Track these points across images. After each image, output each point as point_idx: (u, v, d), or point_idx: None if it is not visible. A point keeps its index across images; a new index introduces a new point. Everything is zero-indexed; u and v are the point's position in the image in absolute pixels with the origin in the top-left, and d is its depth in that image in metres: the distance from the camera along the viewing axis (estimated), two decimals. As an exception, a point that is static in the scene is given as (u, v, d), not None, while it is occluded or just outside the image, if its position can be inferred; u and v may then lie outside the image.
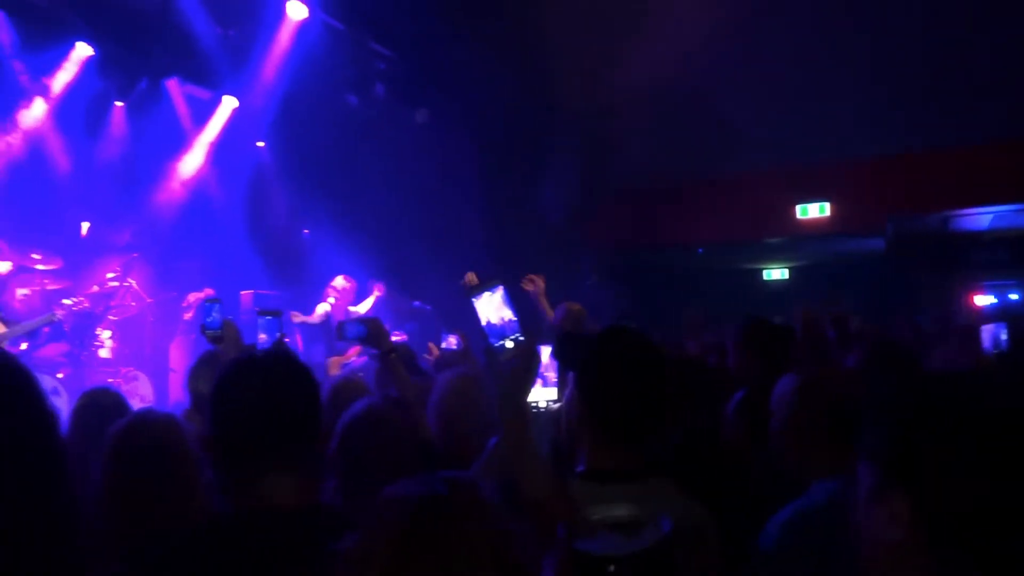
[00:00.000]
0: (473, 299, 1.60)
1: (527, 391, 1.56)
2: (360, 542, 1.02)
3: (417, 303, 7.81)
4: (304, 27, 7.65)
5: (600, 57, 8.31)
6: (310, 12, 7.54)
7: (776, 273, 14.29)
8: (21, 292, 6.45)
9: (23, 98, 7.10)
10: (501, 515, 1.06)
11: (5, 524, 0.94)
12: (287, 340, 5.72)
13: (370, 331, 2.64)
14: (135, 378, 6.76)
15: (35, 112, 7.19)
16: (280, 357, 1.64)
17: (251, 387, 1.53)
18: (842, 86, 8.58)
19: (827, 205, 10.63)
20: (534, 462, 1.53)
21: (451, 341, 3.78)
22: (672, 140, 9.40)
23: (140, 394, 6.64)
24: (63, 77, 7.26)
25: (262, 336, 2.63)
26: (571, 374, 1.80)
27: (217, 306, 2.54)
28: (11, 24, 6.78)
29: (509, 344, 1.57)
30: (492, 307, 1.62)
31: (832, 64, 8.36)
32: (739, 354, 3.07)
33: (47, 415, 1.03)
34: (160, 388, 7.01)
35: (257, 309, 3.24)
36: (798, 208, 10.76)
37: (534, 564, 1.23)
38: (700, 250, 12.08)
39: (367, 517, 1.05)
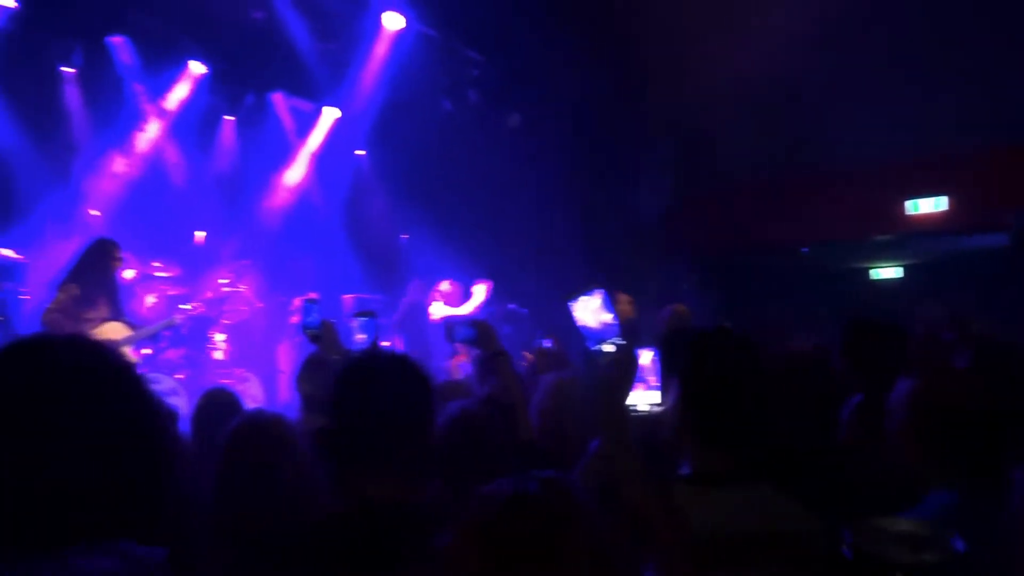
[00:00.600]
0: (570, 303, 1.61)
1: (626, 395, 1.55)
2: (453, 540, 1.04)
3: (512, 306, 7.86)
4: (400, 37, 7.86)
5: (695, 53, 8.16)
6: (406, 22, 7.74)
7: (886, 272, 13.61)
8: (148, 299, 6.88)
9: (143, 117, 7.60)
10: (594, 515, 1.06)
11: (116, 511, 0.99)
12: (387, 344, 5.87)
13: (479, 333, 2.69)
14: (247, 379, 7.07)
15: (153, 130, 7.69)
16: (398, 359, 1.69)
17: (370, 387, 1.58)
18: (957, 72, 8.11)
19: (944, 199, 10.05)
20: (633, 466, 1.52)
21: (546, 343, 3.79)
22: (772, 137, 9.12)
23: (251, 395, 6.93)
24: (178, 95, 7.72)
25: (361, 336, 2.72)
26: (675, 377, 1.78)
27: (316, 307, 2.65)
28: (133, 48, 7.27)
29: (608, 348, 1.57)
30: (589, 311, 1.62)
31: (943, 49, 7.91)
32: (848, 357, 2.95)
33: (155, 408, 1.09)
34: (270, 389, 7.32)
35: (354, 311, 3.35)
36: (909, 204, 10.22)
37: (629, 565, 1.22)
38: (804, 249, 11.65)
39: (461, 515, 1.08)
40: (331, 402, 1.60)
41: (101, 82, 7.26)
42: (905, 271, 13.48)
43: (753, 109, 8.65)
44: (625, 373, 1.55)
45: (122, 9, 7.00)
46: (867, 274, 13.73)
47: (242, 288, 7.47)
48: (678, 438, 1.74)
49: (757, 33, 7.53)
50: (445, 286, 7.45)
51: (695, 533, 1.45)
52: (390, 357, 1.71)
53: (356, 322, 2.69)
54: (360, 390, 1.58)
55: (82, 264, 5.25)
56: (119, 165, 7.42)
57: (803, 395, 2.54)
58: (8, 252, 6.10)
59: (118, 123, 7.45)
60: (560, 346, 4.01)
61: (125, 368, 1.08)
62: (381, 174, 9.17)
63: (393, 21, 7.77)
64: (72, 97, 7.20)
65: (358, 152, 9.17)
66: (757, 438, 1.72)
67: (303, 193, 8.75)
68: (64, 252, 6.02)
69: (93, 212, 7.05)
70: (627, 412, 1.55)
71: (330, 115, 8.72)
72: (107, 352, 1.09)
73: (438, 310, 7.33)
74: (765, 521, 1.57)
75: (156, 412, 1.09)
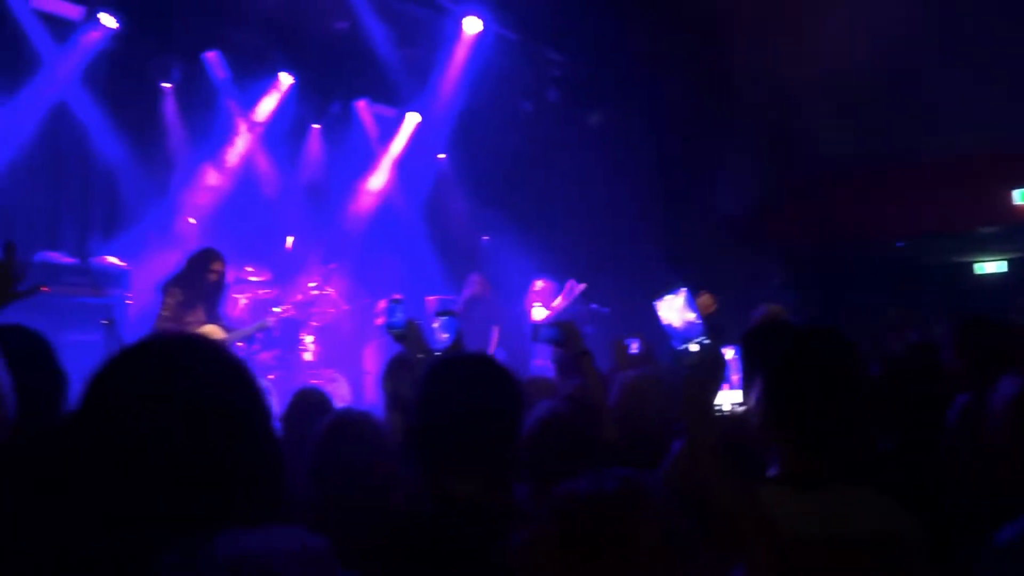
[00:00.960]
0: (654, 302, 1.59)
1: (713, 395, 1.52)
2: (530, 538, 1.04)
3: (594, 306, 7.81)
4: (479, 40, 7.94)
5: (786, 41, 7.91)
6: (485, 25, 7.81)
7: (991, 266, 12.87)
8: (241, 302, 7.16)
9: (236, 128, 7.93)
10: (672, 515, 1.05)
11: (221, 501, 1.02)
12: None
13: (562, 333, 2.69)
14: (335, 379, 7.26)
15: (245, 140, 8.01)
16: (483, 359, 1.71)
17: (454, 387, 1.59)
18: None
19: (1056, 187, 9.45)
20: (719, 467, 1.48)
21: (632, 346, 3.74)
22: (865, 126, 8.76)
23: (340, 395, 7.11)
24: (268, 106, 8.02)
25: (444, 336, 2.75)
26: (759, 375, 1.73)
27: (400, 306, 2.69)
28: (226, 63, 7.59)
29: (693, 347, 1.54)
30: (674, 310, 1.60)
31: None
32: (956, 354, 2.79)
33: (263, 400, 1.12)
34: (357, 389, 7.51)
35: (436, 311, 3.39)
36: (1016, 193, 9.64)
37: (712, 567, 1.19)
38: (900, 243, 11.14)
39: (539, 513, 1.07)
40: (416, 402, 1.61)
41: (197, 96, 7.61)
42: (1010, 265, 12.71)
43: (845, 98, 8.33)
44: (712, 373, 1.51)
45: (216, 26, 7.33)
46: (968, 269, 13.01)
47: (329, 291, 7.68)
48: (766, 438, 1.68)
49: (852, 19, 7.24)
50: (539, 285, 7.44)
51: (785, 537, 1.40)
52: (475, 357, 1.73)
53: (439, 322, 2.72)
54: (445, 390, 1.58)
55: (185, 271, 5.52)
56: (213, 176, 7.76)
57: (906, 395, 2.43)
58: (114, 260, 6.45)
59: (213, 135, 7.79)
60: (647, 345, 3.95)
61: (243, 365, 1.12)
62: (462, 177, 9.28)
63: (472, 25, 7.85)
64: (171, 111, 7.56)
65: (439, 156, 9.31)
66: (855, 439, 1.64)
67: (387, 197, 8.94)
68: (164, 259, 6.34)
69: (190, 220, 7.38)
70: (713, 412, 1.51)
71: (412, 120, 8.89)
72: (228, 350, 1.14)
73: (539, 312, 7.29)
74: (863, 525, 1.50)
75: (269, 409, 1.13)
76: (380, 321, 7.68)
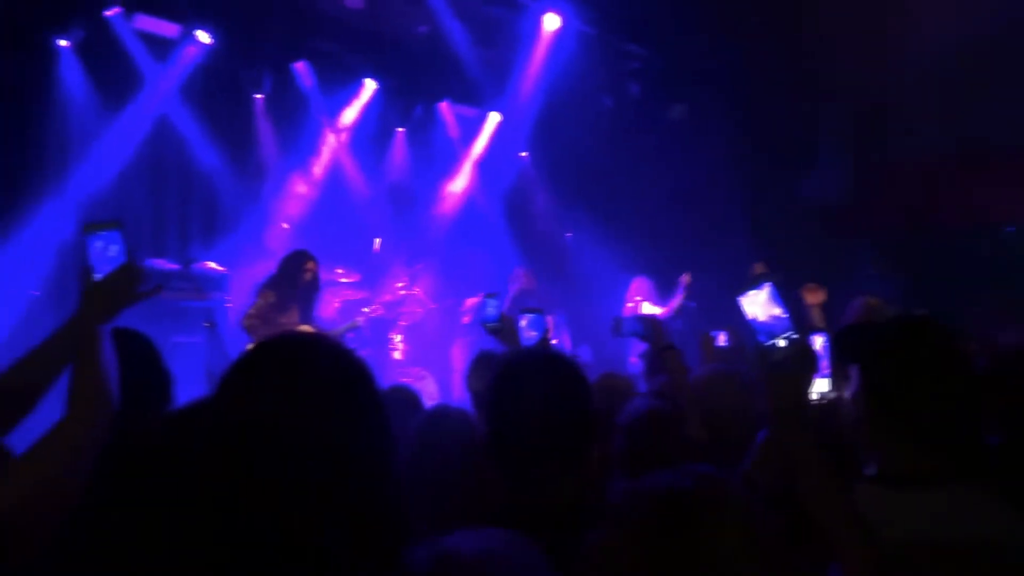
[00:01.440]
0: (739, 297, 1.56)
1: (805, 392, 1.47)
2: (607, 535, 1.03)
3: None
4: (558, 37, 7.93)
5: (880, 22, 7.57)
6: (564, 21, 7.79)
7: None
8: (333, 303, 7.39)
9: (324, 135, 8.18)
10: (752, 513, 1.02)
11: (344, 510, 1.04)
12: (555, 341, 5.92)
13: (647, 328, 2.65)
14: (423, 377, 7.39)
15: (333, 146, 8.25)
16: (551, 356, 1.69)
17: (524, 385, 1.58)
18: None
19: None
20: (813, 460, 1.43)
21: (720, 338, 3.67)
22: (965, 108, 8.28)
23: (428, 392, 7.23)
24: (354, 112, 8.24)
25: (531, 333, 2.76)
26: (856, 368, 1.66)
27: (495, 300, 2.70)
28: (314, 72, 7.84)
29: (781, 343, 1.50)
30: (759, 304, 1.56)
31: None
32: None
33: (381, 405, 1.14)
34: (444, 386, 7.62)
35: (521, 308, 3.40)
36: None
37: (800, 566, 1.15)
38: (1011, 228, 10.47)
39: (616, 510, 1.06)
40: (488, 402, 1.62)
41: (287, 105, 7.88)
42: None
43: (946, 75, 7.89)
44: (803, 368, 1.46)
45: (304, 37, 7.57)
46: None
47: (416, 291, 7.82)
48: (864, 435, 1.61)
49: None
50: (640, 283, 7.36)
51: (886, 538, 1.34)
52: (542, 354, 1.71)
53: (525, 319, 2.73)
54: (513, 389, 1.58)
55: (278, 273, 5.72)
56: (304, 182, 8.02)
57: (1015, 390, 2.28)
58: (214, 265, 6.76)
59: (302, 143, 8.06)
60: (736, 337, 3.86)
61: (363, 362, 1.15)
62: (543, 174, 9.30)
63: (551, 22, 7.85)
64: (262, 121, 7.86)
65: (521, 154, 9.34)
66: (963, 436, 1.55)
67: (470, 197, 9.04)
68: (260, 263, 6.60)
69: (283, 225, 7.65)
70: (805, 410, 1.46)
71: (493, 120, 8.96)
72: (350, 351, 1.17)
73: (649, 310, 7.19)
74: (973, 528, 1.40)
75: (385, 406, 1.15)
76: (467, 319, 7.77)
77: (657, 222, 8.71)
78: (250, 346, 5.44)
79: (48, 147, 6.56)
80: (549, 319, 7.20)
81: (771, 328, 1.51)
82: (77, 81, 6.68)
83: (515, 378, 1.61)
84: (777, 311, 1.52)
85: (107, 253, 1.72)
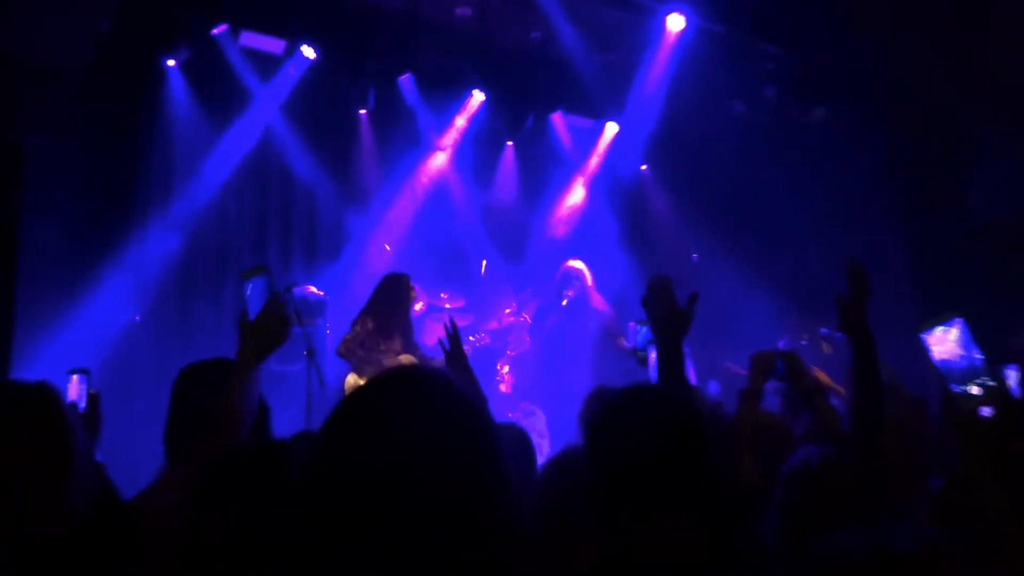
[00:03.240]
0: (923, 334, 1.45)
1: (1004, 445, 1.35)
2: None
3: (825, 330, 7.34)
4: (683, 38, 7.80)
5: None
6: (689, 20, 7.66)
7: None
8: (435, 330, 7.47)
9: (430, 150, 8.35)
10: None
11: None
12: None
13: (787, 366, 2.62)
14: (532, 413, 7.33)
15: (439, 162, 8.42)
16: (658, 392, 1.73)
17: (626, 422, 1.59)
18: None
19: None
20: (1010, 527, 1.31)
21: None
22: None
23: (538, 429, 7.17)
24: (461, 125, 8.39)
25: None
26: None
27: (643, 328, 2.69)
28: (419, 85, 8.04)
29: (974, 389, 1.38)
30: (947, 344, 1.45)
31: None
32: None
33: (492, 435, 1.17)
34: (555, 423, 7.54)
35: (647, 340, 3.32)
36: None
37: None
38: None
39: (809, 566, 1.05)
40: (588, 441, 1.64)
41: (392, 121, 8.12)
42: None
43: None
44: (1003, 422, 1.35)
45: (410, 49, 7.79)
46: None
47: (526, 318, 7.81)
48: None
49: None
50: (798, 322, 7.15)
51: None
52: (643, 391, 1.71)
53: (654, 351, 2.67)
54: (609, 429, 1.60)
55: (377, 298, 5.83)
56: (408, 201, 8.21)
57: None
58: (315, 289, 6.98)
59: (408, 159, 8.27)
60: (892, 373, 3.62)
61: (482, 405, 1.21)
62: (667, 189, 9.14)
63: (675, 22, 7.73)
64: (367, 137, 8.13)
65: (641, 167, 9.23)
66: None
67: (585, 215, 8.99)
68: (360, 287, 6.77)
69: (386, 247, 7.84)
70: (1006, 461, 1.33)
71: (611, 131, 8.91)
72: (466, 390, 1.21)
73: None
74: None
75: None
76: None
77: (797, 242, 8.38)
78: (351, 377, 5.58)
79: (155, 166, 7.03)
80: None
81: (962, 372, 1.40)
82: (183, 100, 7.14)
83: (616, 411, 1.63)
84: (971, 352, 1.41)
85: (259, 296, 2.01)
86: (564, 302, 7.01)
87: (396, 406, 1.10)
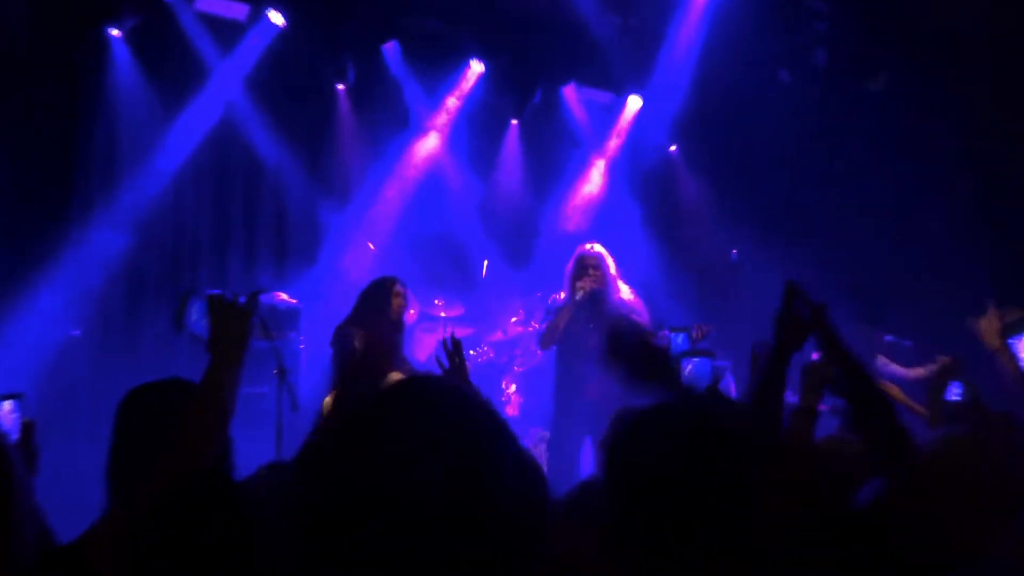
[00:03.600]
0: (1010, 340, 1.45)
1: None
2: None
3: (889, 337, 7.31)
4: (717, -1, 7.80)
5: None
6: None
7: None
8: (430, 343, 7.44)
9: (419, 130, 8.33)
10: None
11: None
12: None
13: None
14: (544, 439, 7.31)
15: (430, 143, 8.39)
16: (692, 411, 1.68)
17: (656, 445, 1.58)
18: None
19: None
20: None
21: (952, 391, 3.44)
22: None
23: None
24: (456, 100, 8.36)
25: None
26: None
27: (679, 336, 2.70)
28: (406, 54, 8.01)
29: None
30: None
31: None
32: None
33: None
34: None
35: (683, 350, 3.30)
36: None
37: None
38: None
39: None
40: (607, 468, 1.63)
41: (375, 97, 8.10)
42: None
43: None
44: None
45: (395, 12, 7.77)
46: None
47: (535, 327, 7.78)
48: None
49: None
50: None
51: None
52: (671, 410, 1.69)
53: (688, 364, 2.67)
54: (626, 457, 1.61)
55: (361, 305, 5.81)
56: (395, 190, 8.18)
57: None
58: (285, 296, 6.95)
59: (394, 142, 8.25)
60: (972, 390, 3.61)
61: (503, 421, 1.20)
62: (700, 173, 9.12)
63: (709, -22, 7.75)
64: (346, 116, 8.11)
65: (670, 148, 9.22)
66: None
67: (603, 204, 8.96)
68: (339, 295, 6.74)
69: (369, 245, 7.82)
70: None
71: (634, 105, 8.89)
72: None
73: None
74: None
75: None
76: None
77: (853, 235, 8.36)
78: (330, 399, 5.56)
79: (96, 154, 7.00)
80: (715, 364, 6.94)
81: None
82: (130, 75, 7.12)
83: (631, 442, 1.63)
84: None
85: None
86: (578, 295, 6.10)
87: (410, 422, 1.10)
